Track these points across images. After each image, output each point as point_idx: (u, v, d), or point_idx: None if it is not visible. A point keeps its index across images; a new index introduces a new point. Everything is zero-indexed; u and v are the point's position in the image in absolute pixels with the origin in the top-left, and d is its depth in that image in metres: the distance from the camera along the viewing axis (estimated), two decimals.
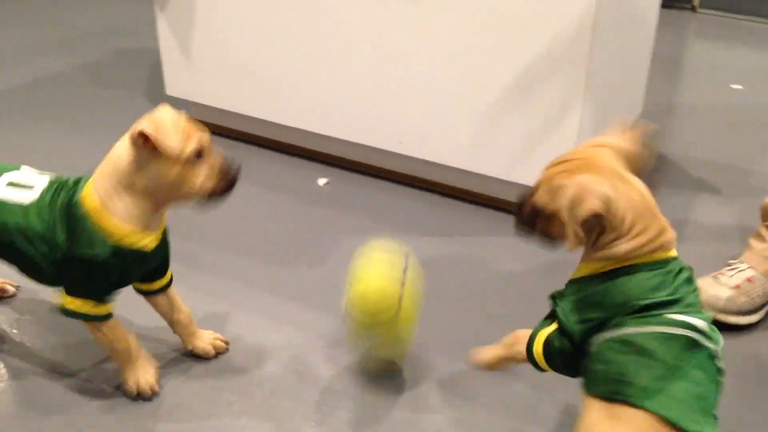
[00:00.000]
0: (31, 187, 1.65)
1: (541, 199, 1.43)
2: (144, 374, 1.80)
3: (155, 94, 3.58)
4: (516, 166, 2.61)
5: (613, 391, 1.32)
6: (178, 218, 2.71)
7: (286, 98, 2.95)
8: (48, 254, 1.61)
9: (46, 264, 1.62)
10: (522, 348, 1.53)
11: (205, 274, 2.38)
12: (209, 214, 2.71)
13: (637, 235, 1.34)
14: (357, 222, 2.72)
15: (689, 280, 1.36)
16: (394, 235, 2.64)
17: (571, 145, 2.45)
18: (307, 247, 2.56)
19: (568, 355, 1.43)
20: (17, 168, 1.73)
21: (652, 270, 1.33)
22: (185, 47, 3.08)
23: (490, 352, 1.66)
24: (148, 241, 1.62)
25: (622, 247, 1.34)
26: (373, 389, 1.90)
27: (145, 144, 1.50)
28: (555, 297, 1.50)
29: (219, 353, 1.99)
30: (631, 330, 1.30)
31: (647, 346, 1.29)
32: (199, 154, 1.56)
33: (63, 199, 1.60)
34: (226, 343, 2.02)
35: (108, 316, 1.71)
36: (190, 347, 1.95)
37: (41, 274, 1.68)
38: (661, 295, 1.31)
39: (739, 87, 3.99)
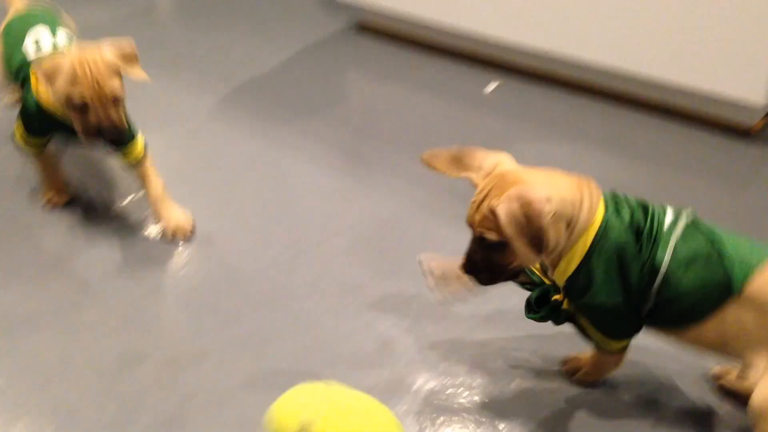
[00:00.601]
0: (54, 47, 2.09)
1: (489, 235, 1.36)
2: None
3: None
4: (718, 76, 2.44)
5: None
6: (350, 118, 2.82)
7: None
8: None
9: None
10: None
11: (374, 172, 2.44)
12: (383, 118, 2.76)
13: (581, 204, 1.36)
14: (525, 129, 2.66)
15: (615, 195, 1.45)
16: (562, 144, 2.57)
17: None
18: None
19: (634, 318, 1.46)
20: (54, 30, 2.14)
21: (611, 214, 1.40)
22: None
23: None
24: (63, 115, 1.97)
25: (581, 223, 1.37)
26: None
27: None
28: (579, 307, 1.46)
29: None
30: (667, 256, 1.36)
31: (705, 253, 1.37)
32: (75, 107, 1.87)
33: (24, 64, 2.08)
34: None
35: (35, 153, 2.17)
36: (158, 219, 2.16)
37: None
38: (640, 218, 1.40)
39: None
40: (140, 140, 2.11)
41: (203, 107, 2.79)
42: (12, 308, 1.92)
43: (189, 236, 2.13)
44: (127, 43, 1.95)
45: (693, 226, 1.40)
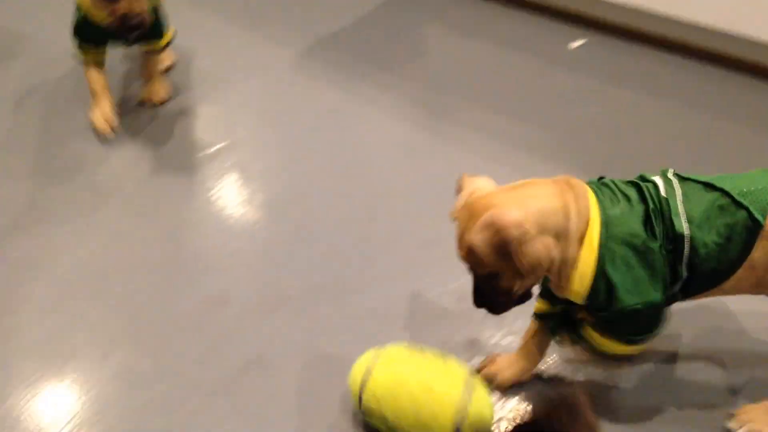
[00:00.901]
0: None
1: (479, 270, 1.30)
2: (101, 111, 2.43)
3: None
4: None
5: None
6: (429, 73, 2.81)
7: None
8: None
9: None
10: None
11: (450, 127, 2.44)
12: (462, 73, 2.74)
13: (566, 210, 1.25)
14: (607, 88, 2.60)
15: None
16: (646, 102, 2.50)
17: None
18: (549, 108, 2.51)
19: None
20: None
21: (607, 205, 1.30)
22: None
23: None
24: (102, 19, 2.17)
25: (573, 230, 1.26)
26: None
27: None
28: (608, 319, 1.35)
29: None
30: (684, 224, 1.29)
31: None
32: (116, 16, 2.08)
33: None
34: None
35: (86, 62, 2.40)
36: (146, 78, 2.53)
37: None
38: (636, 200, 1.31)
39: None
40: (168, 36, 2.42)
41: (286, 59, 2.83)
42: (101, 256, 2.04)
43: (163, 102, 2.52)
44: None
45: (684, 182, 1.34)
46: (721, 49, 2.61)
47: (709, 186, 1.32)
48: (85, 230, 2.09)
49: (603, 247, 1.25)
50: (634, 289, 1.27)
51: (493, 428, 1.43)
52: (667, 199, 1.30)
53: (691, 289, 1.35)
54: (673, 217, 1.28)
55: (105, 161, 2.34)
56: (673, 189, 1.32)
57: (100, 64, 2.42)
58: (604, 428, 1.47)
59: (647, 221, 1.28)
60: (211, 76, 2.72)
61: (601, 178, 1.39)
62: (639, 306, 1.28)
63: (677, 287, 1.33)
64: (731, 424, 1.46)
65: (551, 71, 2.72)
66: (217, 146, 2.37)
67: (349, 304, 1.83)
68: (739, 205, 1.28)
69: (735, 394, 1.54)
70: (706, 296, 1.38)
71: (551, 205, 1.25)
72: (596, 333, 1.40)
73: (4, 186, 2.25)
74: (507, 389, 1.55)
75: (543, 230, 1.24)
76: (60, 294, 1.89)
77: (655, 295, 1.28)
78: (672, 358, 1.63)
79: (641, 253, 1.26)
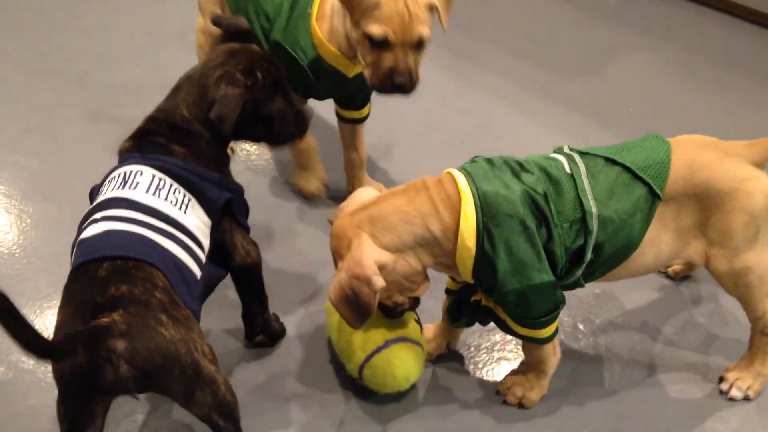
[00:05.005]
0: None
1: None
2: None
3: None
4: None
5: None
6: (459, 14, 2.73)
7: None
8: (267, 33, 1.68)
9: (266, 43, 1.70)
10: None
11: (482, 69, 2.41)
12: (492, 17, 2.70)
13: (436, 214, 1.22)
14: (643, 40, 2.55)
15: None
16: (679, 57, 2.45)
17: None
18: (585, 58, 2.47)
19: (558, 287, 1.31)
20: None
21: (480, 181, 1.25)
22: None
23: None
24: (347, 68, 1.64)
25: (446, 230, 1.23)
26: None
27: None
28: (499, 301, 1.30)
29: None
30: (591, 201, 1.26)
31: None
32: (376, 43, 1.50)
33: None
34: None
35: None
36: (351, 189, 1.92)
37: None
38: (535, 181, 1.26)
39: None
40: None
41: None
42: None
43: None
44: None
45: (585, 157, 1.30)
46: (759, 7, 2.54)
47: (609, 161, 1.29)
48: None
49: (480, 231, 1.21)
50: (516, 271, 1.22)
51: (389, 387, 1.40)
52: (572, 176, 1.27)
53: (597, 268, 1.31)
54: (581, 195, 1.25)
55: None
56: (577, 165, 1.29)
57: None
58: (595, 398, 1.49)
59: (545, 201, 1.23)
60: None
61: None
62: (520, 288, 1.23)
63: (579, 271, 1.29)
64: (722, 386, 1.48)
65: (586, 21, 2.67)
66: None
67: None
68: (640, 179, 1.27)
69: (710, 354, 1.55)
70: (609, 279, 1.35)
71: (404, 217, 1.22)
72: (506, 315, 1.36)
73: None
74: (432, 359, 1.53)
75: (400, 249, 1.23)
76: None
77: (539, 276, 1.23)
78: (648, 330, 1.64)
79: (533, 234, 1.22)
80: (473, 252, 1.22)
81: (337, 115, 1.86)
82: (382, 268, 1.21)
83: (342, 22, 1.58)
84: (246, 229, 1.37)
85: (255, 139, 1.41)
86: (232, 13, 1.78)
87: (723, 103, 2.27)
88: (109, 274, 1.09)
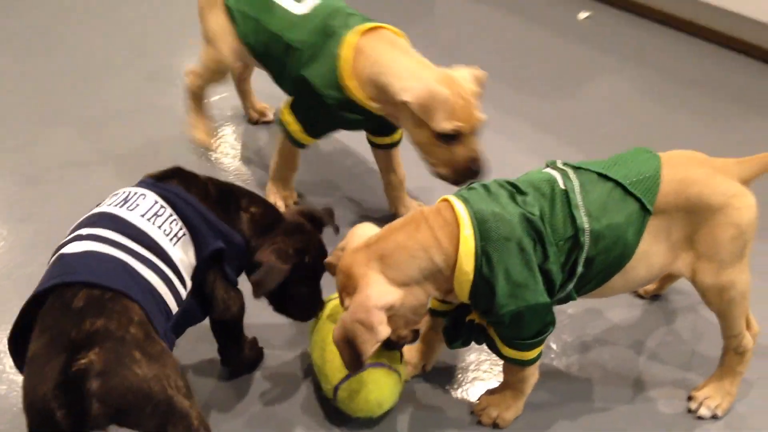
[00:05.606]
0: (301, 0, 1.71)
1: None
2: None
3: None
4: None
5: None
6: (437, 35, 2.80)
7: None
8: (292, 68, 1.68)
9: (289, 76, 1.71)
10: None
11: None
12: (470, 39, 2.73)
13: (438, 245, 1.23)
14: (614, 62, 2.60)
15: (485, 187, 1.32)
16: (650, 78, 2.50)
17: None
18: (558, 80, 2.51)
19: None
20: None
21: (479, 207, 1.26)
22: None
23: None
24: (374, 108, 1.63)
25: (449, 260, 1.24)
26: None
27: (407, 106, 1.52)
28: (494, 323, 1.31)
29: None
30: (584, 217, 1.28)
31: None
32: (447, 138, 1.52)
33: (329, 26, 1.65)
34: None
35: (303, 146, 1.79)
36: (393, 211, 1.94)
37: (286, 82, 1.75)
38: (533, 202, 1.28)
39: None
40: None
41: None
42: None
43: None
44: (483, 73, 1.61)
45: (578, 172, 1.33)
46: (719, 27, 2.60)
47: (602, 176, 1.32)
48: None
49: (478, 255, 1.22)
50: (512, 293, 1.23)
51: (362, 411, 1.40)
52: (566, 192, 1.29)
53: (589, 283, 1.33)
54: (573, 211, 1.27)
55: None
56: (571, 181, 1.31)
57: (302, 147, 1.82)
58: (566, 416, 1.50)
59: (541, 222, 1.25)
60: None
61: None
62: (515, 309, 1.25)
63: (572, 285, 1.30)
64: (691, 405, 1.50)
65: (558, 41, 2.72)
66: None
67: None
68: (632, 195, 1.29)
69: (689, 370, 1.58)
70: (602, 292, 1.37)
71: (407, 253, 1.23)
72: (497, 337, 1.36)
73: None
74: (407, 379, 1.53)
75: (408, 284, 1.23)
76: None
77: (534, 297, 1.25)
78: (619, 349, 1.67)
79: (529, 254, 1.24)
80: (471, 276, 1.23)
81: (369, 142, 1.86)
82: (391, 308, 1.22)
83: (373, 72, 1.58)
84: (232, 283, 1.36)
85: (266, 297, 1.43)
86: (243, 40, 1.77)
87: (693, 124, 2.32)
88: (85, 305, 1.10)
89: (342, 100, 1.63)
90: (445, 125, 1.50)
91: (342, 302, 1.28)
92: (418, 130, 1.55)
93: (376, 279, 1.22)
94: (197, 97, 2.00)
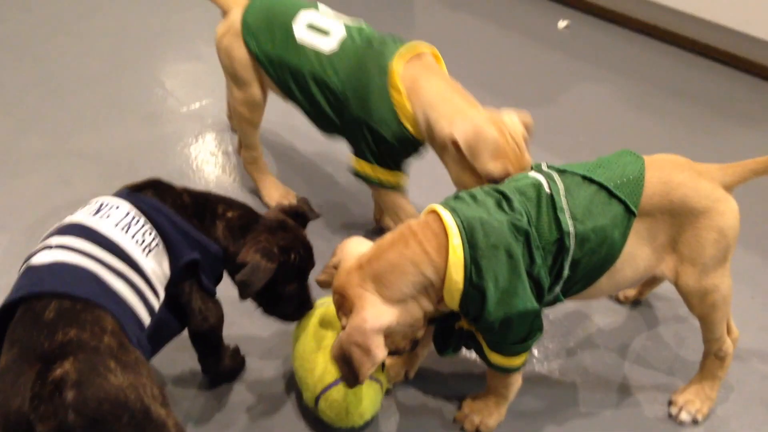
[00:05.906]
0: (327, 33, 1.66)
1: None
2: None
3: None
4: None
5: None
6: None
7: None
8: (337, 108, 1.66)
9: (333, 114, 1.68)
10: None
11: None
12: (450, 49, 2.74)
13: (428, 260, 1.22)
14: (593, 70, 2.62)
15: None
16: (628, 87, 2.53)
17: None
18: (537, 88, 2.53)
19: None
20: (315, 6, 1.73)
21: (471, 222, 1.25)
22: None
23: None
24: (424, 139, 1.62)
25: (439, 271, 1.23)
26: None
27: (455, 145, 1.50)
28: (484, 329, 1.31)
29: None
30: (569, 220, 1.28)
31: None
32: (495, 180, 1.47)
33: (369, 61, 1.62)
34: None
35: (396, 186, 1.71)
36: (378, 216, 1.94)
37: (325, 122, 1.72)
38: (519, 206, 1.28)
39: None
40: None
41: None
42: None
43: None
44: (530, 118, 1.59)
45: (563, 175, 1.34)
46: (698, 36, 2.64)
47: (586, 179, 1.32)
48: None
49: (468, 264, 1.22)
50: (501, 300, 1.24)
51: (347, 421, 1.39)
52: (551, 195, 1.30)
53: (575, 285, 1.33)
54: (559, 214, 1.28)
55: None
56: (556, 184, 1.32)
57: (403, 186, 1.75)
58: (547, 422, 1.52)
59: (517, 229, 1.25)
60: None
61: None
62: (503, 316, 1.25)
63: (558, 287, 1.31)
64: (671, 410, 1.51)
65: (538, 50, 2.73)
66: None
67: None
68: (616, 197, 1.31)
69: (672, 374, 1.59)
70: (589, 294, 1.38)
71: (399, 270, 1.22)
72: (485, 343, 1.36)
73: None
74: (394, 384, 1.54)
75: (403, 300, 1.23)
76: None
77: (523, 304, 1.25)
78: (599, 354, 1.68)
79: (510, 260, 1.24)
80: (461, 285, 1.23)
81: None
82: (387, 328, 1.22)
83: (423, 108, 1.57)
84: (210, 293, 1.34)
85: (254, 299, 1.42)
86: (274, 82, 1.74)
87: (671, 132, 2.34)
88: (56, 317, 1.08)
89: (400, 137, 1.61)
90: (492, 166, 1.47)
91: (339, 319, 1.28)
92: (462, 169, 1.53)
93: (372, 300, 1.22)
94: (255, 161, 1.94)
